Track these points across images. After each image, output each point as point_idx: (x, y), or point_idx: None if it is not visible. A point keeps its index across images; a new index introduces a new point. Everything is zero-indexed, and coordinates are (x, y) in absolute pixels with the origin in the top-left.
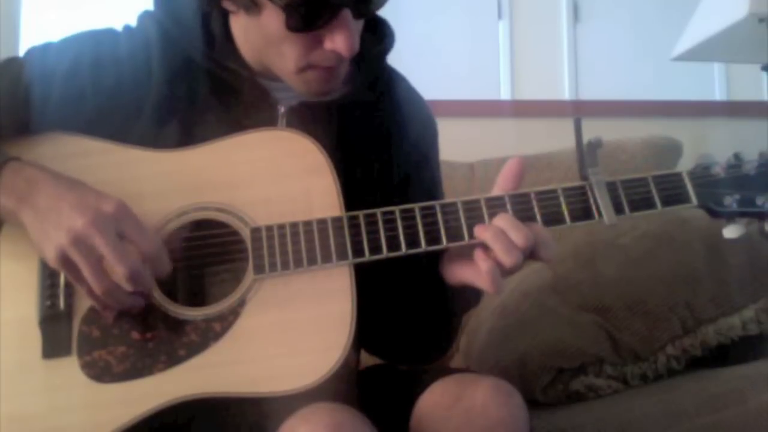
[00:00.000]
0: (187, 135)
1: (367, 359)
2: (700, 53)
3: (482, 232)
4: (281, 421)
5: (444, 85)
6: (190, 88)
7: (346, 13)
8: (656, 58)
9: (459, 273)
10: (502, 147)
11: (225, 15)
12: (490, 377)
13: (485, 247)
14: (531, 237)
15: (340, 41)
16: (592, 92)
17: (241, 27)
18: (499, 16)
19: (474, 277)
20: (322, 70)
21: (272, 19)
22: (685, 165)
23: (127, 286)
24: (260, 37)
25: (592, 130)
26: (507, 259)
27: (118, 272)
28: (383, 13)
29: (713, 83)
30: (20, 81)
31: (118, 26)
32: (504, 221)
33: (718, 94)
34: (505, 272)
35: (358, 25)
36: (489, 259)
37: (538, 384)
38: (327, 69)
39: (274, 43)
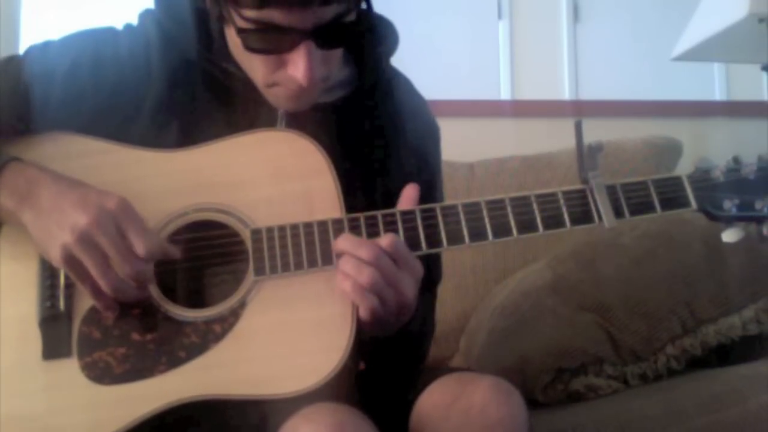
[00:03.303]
0: (187, 135)
1: None
2: (700, 53)
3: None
4: (283, 422)
5: (444, 85)
6: (190, 89)
7: (308, 44)
8: (656, 58)
9: None
10: (502, 147)
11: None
12: (489, 376)
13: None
14: (380, 250)
15: (300, 71)
16: (592, 92)
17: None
18: (499, 16)
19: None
20: (289, 89)
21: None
22: (684, 165)
23: (130, 283)
24: (236, 46)
25: (592, 129)
26: (362, 278)
27: (122, 269)
28: (383, 13)
29: (713, 83)
30: (20, 80)
31: (119, 25)
32: (345, 243)
33: (718, 94)
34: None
35: (330, 53)
36: (347, 278)
37: (538, 384)
38: (293, 89)
39: (245, 54)
